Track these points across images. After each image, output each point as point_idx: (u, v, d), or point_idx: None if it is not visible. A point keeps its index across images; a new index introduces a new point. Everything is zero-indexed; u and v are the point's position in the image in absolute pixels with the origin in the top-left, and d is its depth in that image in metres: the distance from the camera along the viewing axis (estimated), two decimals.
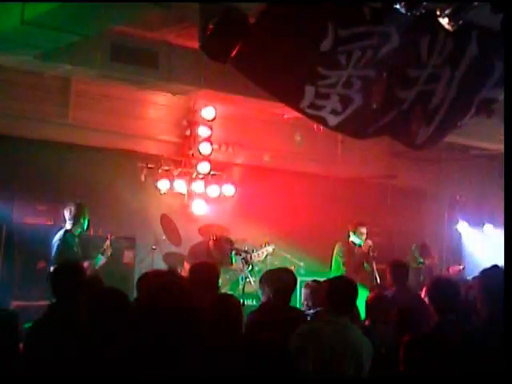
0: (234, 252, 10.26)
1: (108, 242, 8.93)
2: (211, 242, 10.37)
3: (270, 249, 10.78)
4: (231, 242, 10.31)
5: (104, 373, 4.16)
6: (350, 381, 5.09)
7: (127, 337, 4.39)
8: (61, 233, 8.73)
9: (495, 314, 4.90)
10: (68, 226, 8.66)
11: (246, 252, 10.14)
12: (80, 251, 8.69)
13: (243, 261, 10.10)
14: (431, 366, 4.67)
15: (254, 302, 9.94)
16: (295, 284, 6.49)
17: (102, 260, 8.78)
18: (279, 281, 6.20)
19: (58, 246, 8.56)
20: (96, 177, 10.37)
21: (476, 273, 5.81)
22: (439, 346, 4.70)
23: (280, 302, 6.05)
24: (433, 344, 4.70)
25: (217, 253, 10.14)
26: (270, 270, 7.25)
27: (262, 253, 10.73)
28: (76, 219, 8.62)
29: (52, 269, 8.05)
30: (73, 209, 8.66)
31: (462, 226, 14.21)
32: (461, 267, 12.73)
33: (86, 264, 8.48)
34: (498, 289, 4.78)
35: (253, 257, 10.59)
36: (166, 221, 10.76)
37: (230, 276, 10.27)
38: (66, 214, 8.66)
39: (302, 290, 7.20)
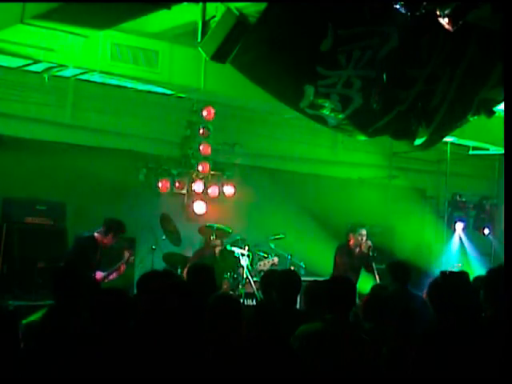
0: (232, 247, 10.34)
1: (125, 261, 8.90)
2: (217, 249, 10.41)
3: (275, 259, 10.82)
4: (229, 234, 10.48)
5: (104, 373, 4.16)
6: (351, 381, 5.09)
7: (128, 336, 4.39)
8: (86, 238, 8.72)
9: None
10: (96, 234, 8.65)
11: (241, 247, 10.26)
12: (98, 261, 8.68)
13: (242, 256, 10.17)
14: (432, 366, 4.67)
15: (254, 302, 9.95)
16: (300, 286, 6.46)
17: (113, 275, 8.76)
18: (286, 284, 6.18)
19: (78, 249, 8.54)
20: (96, 177, 10.36)
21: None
22: (438, 346, 4.70)
23: (285, 304, 6.04)
24: (433, 343, 4.70)
25: (222, 259, 10.24)
26: (275, 272, 7.22)
27: (268, 262, 10.77)
28: (106, 232, 8.62)
29: (57, 267, 8.10)
30: (108, 221, 8.69)
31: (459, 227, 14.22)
32: (459, 265, 12.73)
33: (99, 274, 8.47)
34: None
35: (258, 266, 10.65)
36: (165, 220, 10.76)
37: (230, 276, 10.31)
38: (103, 225, 8.68)
39: (303, 290, 7.18)
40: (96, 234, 8.64)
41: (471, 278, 6.98)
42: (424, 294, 6.19)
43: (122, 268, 8.85)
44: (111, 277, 8.72)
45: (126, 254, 8.98)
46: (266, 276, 6.85)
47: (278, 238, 11.08)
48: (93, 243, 8.59)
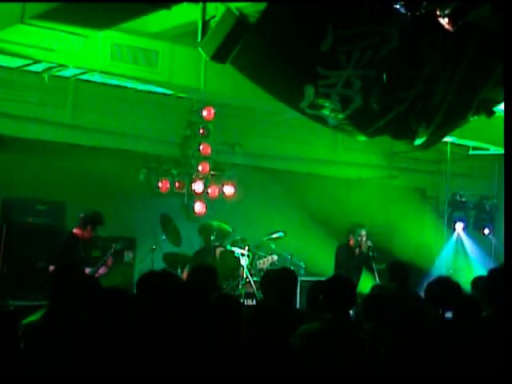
0: (232, 247, 10.34)
1: (111, 253, 8.92)
2: (218, 250, 10.41)
3: (275, 257, 10.82)
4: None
5: (104, 373, 4.16)
6: (351, 380, 5.09)
7: (128, 336, 4.39)
8: (66, 235, 8.75)
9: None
10: (75, 230, 8.67)
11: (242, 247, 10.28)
12: (83, 256, 8.69)
13: (242, 256, 10.18)
14: (432, 366, 4.67)
15: (254, 302, 9.96)
16: (297, 285, 6.48)
17: (102, 269, 8.78)
18: (281, 282, 6.20)
19: (60, 248, 8.56)
20: (96, 177, 10.36)
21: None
22: (439, 346, 4.70)
23: (282, 302, 6.05)
24: (433, 343, 4.70)
25: (224, 262, 10.24)
26: (271, 271, 7.25)
27: (268, 260, 10.78)
28: (84, 225, 8.63)
29: (50, 271, 8.09)
30: (84, 215, 8.68)
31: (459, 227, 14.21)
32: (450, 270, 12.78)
33: (86, 271, 8.48)
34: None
35: (258, 264, 10.65)
36: (165, 220, 10.77)
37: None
38: (80, 219, 8.68)
39: (302, 290, 7.19)
40: (75, 230, 8.66)
41: (471, 278, 7.01)
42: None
43: (109, 262, 8.86)
44: (101, 271, 8.72)
45: (112, 246, 9.00)
46: (266, 276, 6.86)
47: (277, 237, 11.07)
48: (73, 239, 8.61)
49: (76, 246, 8.60)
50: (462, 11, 6.33)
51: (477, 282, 6.72)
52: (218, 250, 10.44)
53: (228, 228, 10.82)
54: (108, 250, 9.01)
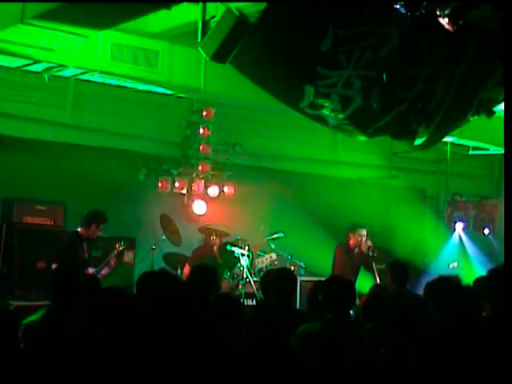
0: (232, 247, 10.34)
1: (114, 254, 8.93)
2: (215, 247, 10.41)
3: (273, 256, 10.82)
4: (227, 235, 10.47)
5: (104, 372, 4.16)
6: (351, 380, 5.09)
7: (128, 336, 4.39)
8: (71, 235, 8.76)
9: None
10: (79, 229, 8.68)
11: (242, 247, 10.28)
12: (87, 256, 8.69)
13: (242, 256, 10.18)
14: (432, 366, 4.67)
15: (254, 302, 9.96)
16: (296, 284, 6.50)
17: (105, 270, 8.79)
18: (280, 281, 6.20)
19: (64, 247, 8.57)
20: (96, 177, 10.37)
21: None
22: (439, 346, 4.70)
23: (281, 302, 6.06)
24: (433, 343, 4.70)
25: (221, 257, 10.24)
26: (271, 271, 7.26)
27: (266, 259, 10.78)
28: (88, 224, 8.64)
29: (53, 269, 8.11)
30: (87, 213, 8.69)
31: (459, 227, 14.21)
32: (455, 264, 12.74)
33: (89, 271, 8.48)
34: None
35: (257, 263, 10.65)
36: (165, 220, 10.77)
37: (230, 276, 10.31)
38: (83, 218, 8.69)
39: (302, 290, 7.20)
40: (79, 229, 8.67)
41: (472, 278, 7.00)
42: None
43: (112, 262, 8.86)
44: (103, 272, 8.73)
45: (116, 247, 9.01)
46: (266, 276, 6.87)
47: (277, 238, 11.08)
48: (77, 238, 8.61)
49: (80, 246, 8.60)
50: (462, 11, 6.34)
51: (477, 282, 6.72)
52: (216, 246, 10.45)
53: (227, 230, 10.82)
54: (108, 250, 9.01)
